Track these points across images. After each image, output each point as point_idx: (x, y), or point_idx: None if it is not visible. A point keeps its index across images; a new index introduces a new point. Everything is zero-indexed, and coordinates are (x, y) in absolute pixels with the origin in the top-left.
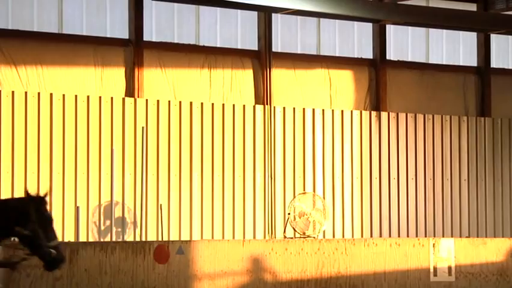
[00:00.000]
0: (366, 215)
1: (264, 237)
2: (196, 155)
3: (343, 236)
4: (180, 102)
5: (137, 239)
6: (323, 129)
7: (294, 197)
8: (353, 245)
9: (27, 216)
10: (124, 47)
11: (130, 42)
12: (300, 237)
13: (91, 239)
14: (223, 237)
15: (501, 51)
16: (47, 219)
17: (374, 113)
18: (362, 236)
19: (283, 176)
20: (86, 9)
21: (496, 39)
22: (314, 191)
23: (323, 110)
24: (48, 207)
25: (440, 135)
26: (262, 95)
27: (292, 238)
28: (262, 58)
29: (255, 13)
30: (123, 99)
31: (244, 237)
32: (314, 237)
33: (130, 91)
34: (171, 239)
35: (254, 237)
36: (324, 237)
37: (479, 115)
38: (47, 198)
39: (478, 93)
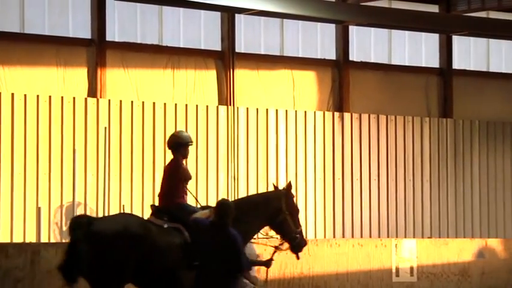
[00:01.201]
0: (329, 216)
1: None
2: (159, 156)
3: (306, 237)
4: (143, 102)
5: None
6: (286, 130)
7: None
8: (316, 246)
9: (279, 207)
10: (86, 47)
11: (92, 42)
12: (263, 238)
13: (52, 240)
14: None
15: (463, 53)
16: (295, 209)
17: (337, 114)
18: (325, 237)
19: (246, 177)
20: (49, 9)
21: (458, 41)
22: None
23: (286, 110)
24: (294, 199)
25: (403, 136)
26: (225, 96)
27: (255, 238)
28: (225, 59)
29: (219, 14)
30: (85, 99)
31: None
32: (277, 238)
33: (92, 91)
34: None
35: None
36: None
37: (441, 116)
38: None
39: (440, 94)
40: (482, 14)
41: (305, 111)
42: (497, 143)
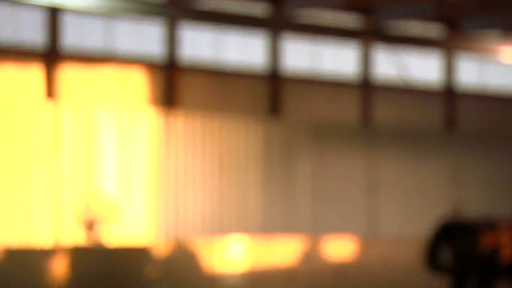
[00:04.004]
0: (156, 215)
1: (53, 241)
2: None
3: (131, 236)
4: None
5: None
6: (112, 127)
7: (83, 197)
8: (143, 250)
9: None
10: None
11: None
12: (91, 244)
13: None
14: (7, 244)
15: (293, 54)
16: None
17: (165, 112)
18: (150, 238)
19: (72, 175)
20: None
21: (287, 42)
22: (102, 191)
23: (114, 108)
24: None
25: (232, 135)
26: (50, 94)
27: (82, 246)
28: (50, 56)
29: (43, 10)
30: None
31: (30, 244)
32: (103, 242)
33: None
34: None
35: (41, 240)
36: (113, 238)
37: (270, 117)
38: None
39: (270, 95)
40: (311, 14)
41: (132, 110)
42: (325, 144)
